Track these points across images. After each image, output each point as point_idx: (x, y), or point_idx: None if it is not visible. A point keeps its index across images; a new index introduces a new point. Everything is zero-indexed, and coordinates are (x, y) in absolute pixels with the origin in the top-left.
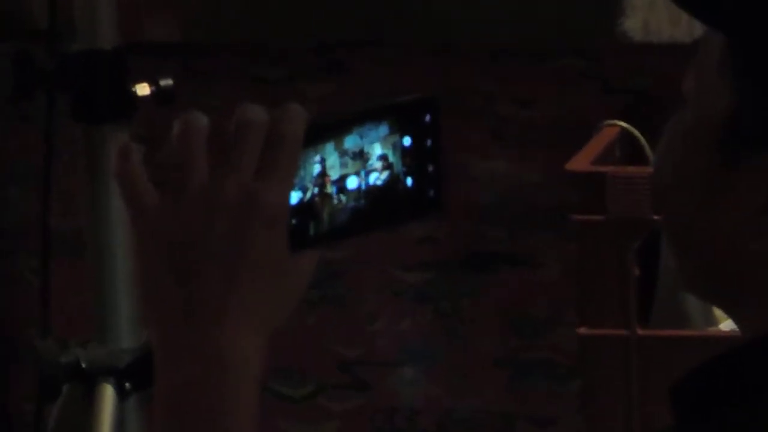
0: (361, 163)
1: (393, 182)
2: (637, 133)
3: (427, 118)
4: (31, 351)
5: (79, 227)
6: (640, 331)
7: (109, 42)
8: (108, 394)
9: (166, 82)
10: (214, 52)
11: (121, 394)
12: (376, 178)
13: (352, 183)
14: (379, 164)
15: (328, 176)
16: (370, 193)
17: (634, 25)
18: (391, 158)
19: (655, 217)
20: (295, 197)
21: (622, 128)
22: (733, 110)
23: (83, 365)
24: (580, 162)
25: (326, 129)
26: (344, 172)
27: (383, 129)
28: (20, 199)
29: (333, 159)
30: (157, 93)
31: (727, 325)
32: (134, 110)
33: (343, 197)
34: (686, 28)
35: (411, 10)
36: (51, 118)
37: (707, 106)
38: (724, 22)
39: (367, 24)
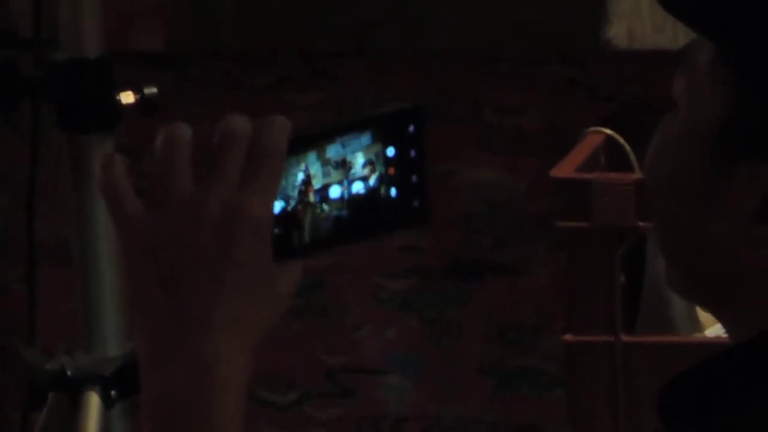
0: (344, 172)
1: (376, 192)
2: (621, 140)
3: (411, 128)
4: (17, 359)
5: (64, 236)
6: (625, 338)
7: (94, 51)
8: (94, 402)
9: (150, 90)
10: (202, 60)
11: (107, 402)
12: (359, 187)
13: (335, 192)
14: (360, 174)
15: (311, 186)
16: (353, 202)
17: (618, 32)
18: (373, 168)
19: (641, 224)
20: (278, 207)
21: (607, 135)
22: (725, 117)
23: (69, 373)
24: (565, 169)
25: (309, 139)
26: (327, 181)
27: (366, 138)
28: (6, 208)
29: (316, 168)
30: (142, 101)
31: (712, 331)
32: (119, 119)
33: (326, 206)
34: (671, 35)
35: (398, 18)
36: (36, 127)
37: (699, 112)
38: (717, 31)
39: (354, 32)
